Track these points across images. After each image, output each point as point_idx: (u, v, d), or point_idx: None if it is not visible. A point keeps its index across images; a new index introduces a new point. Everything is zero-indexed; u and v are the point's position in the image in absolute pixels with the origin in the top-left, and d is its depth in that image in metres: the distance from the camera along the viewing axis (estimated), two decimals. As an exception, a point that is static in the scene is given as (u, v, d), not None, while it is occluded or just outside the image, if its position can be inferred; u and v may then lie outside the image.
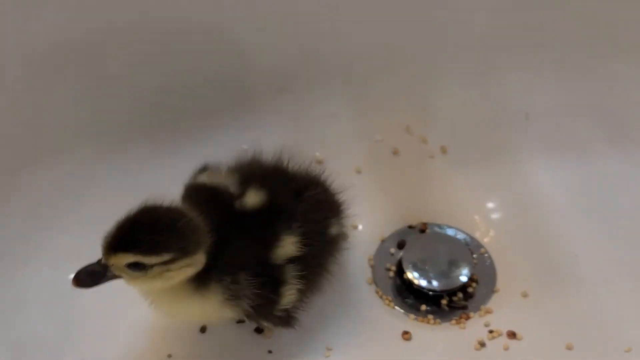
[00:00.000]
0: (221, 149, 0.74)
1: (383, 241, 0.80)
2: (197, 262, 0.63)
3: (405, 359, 0.72)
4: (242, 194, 0.68)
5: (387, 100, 0.83)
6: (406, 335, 0.73)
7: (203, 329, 0.72)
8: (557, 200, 0.80)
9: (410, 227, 0.81)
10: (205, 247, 0.63)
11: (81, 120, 0.77)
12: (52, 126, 0.76)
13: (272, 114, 0.82)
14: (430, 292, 0.76)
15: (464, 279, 0.76)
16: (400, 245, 0.79)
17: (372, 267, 0.78)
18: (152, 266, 0.62)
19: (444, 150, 0.83)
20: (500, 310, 0.75)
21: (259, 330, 0.72)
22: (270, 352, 0.71)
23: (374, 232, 0.80)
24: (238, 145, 0.76)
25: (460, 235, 0.80)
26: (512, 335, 0.73)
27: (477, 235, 0.80)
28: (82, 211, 0.76)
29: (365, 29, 0.80)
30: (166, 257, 0.61)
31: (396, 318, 0.75)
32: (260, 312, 0.66)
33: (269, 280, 0.66)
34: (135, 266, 0.61)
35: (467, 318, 0.75)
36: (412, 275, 0.76)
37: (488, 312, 0.75)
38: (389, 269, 0.78)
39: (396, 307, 0.76)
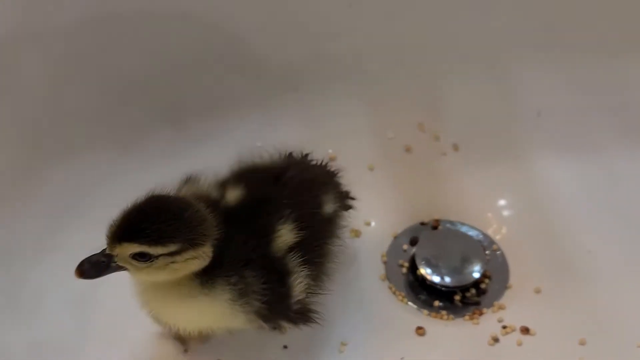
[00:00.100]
0: (235, 147, 0.73)
1: (396, 238, 0.80)
2: (203, 255, 0.61)
3: (419, 354, 0.72)
4: (222, 195, 0.67)
5: (399, 98, 0.83)
6: (420, 330, 0.74)
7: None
8: (569, 197, 0.81)
9: (422, 223, 0.81)
10: (212, 239, 0.61)
11: (97, 121, 0.78)
12: (68, 127, 0.77)
13: (286, 112, 0.83)
14: (443, 288, 0.76)
15: (476, 275, 0.76)
16: (413, 242, 0.79)
17: (385, 263, 0.78)
18: (157, 257, 0.59)
19: (456, 147, 0.83)
20: (513, 306, 0.75)
21: (274, 325, 0.72)
22: (285, 347, 0.72)
23: (387, 228, 0.80)
24: (252, 143, 0.76)
25: (472, 232, 0.80)
26: (525, 330, 0.73)
27: (489, 231, 0.80)
28: (98, 211, 0.75)
29: (378, 27, 0.81)
30: (172, 247, 0.59)
31: (410, 314, 0.75)
32: (275, 310, 0.64)
33: (275, 275, 0.64)
34: (141, 257, 0.59)
35: (480, 314, 0.75)
36: (425, 271, 0.76)
37: (501, 308, 0.75)
38: (401, 265, 0.78)
39: (409, 303, 0.76)
